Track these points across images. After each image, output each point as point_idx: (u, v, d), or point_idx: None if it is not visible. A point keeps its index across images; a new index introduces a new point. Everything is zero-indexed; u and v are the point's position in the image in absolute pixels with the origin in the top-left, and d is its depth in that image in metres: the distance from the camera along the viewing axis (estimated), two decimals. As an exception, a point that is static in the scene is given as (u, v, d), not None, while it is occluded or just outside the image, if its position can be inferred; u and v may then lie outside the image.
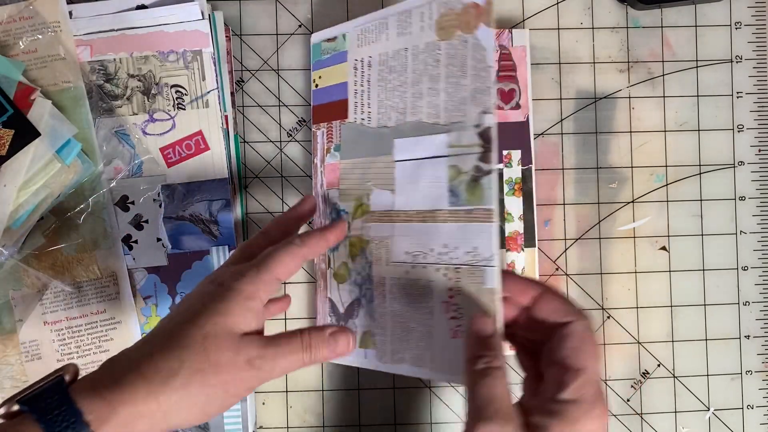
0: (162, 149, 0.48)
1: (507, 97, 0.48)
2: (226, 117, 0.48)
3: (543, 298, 0.34)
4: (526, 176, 0.48)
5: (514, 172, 0.48)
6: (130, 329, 0.48)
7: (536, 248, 0.48)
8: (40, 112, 0.45)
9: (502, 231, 0.48)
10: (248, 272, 0.35)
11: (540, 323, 0.34)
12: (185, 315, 0.33)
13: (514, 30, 0.48)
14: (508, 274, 0.35)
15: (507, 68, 0.48)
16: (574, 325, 0.32)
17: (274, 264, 0.35)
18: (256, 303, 0.34)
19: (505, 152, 0.48)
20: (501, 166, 0.48)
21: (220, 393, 0.32)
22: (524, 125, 0.48)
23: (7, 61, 0.45)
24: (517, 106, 0.48)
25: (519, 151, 0.48)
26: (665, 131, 0.51)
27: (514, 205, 0.48)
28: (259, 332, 0.35)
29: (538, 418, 0.30)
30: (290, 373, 0.49)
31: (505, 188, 0.48)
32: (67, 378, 0.31)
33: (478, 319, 0.33)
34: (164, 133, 0.48)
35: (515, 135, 0.48)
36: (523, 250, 0.48)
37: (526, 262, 0.48)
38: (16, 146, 0.44)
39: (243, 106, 0.50)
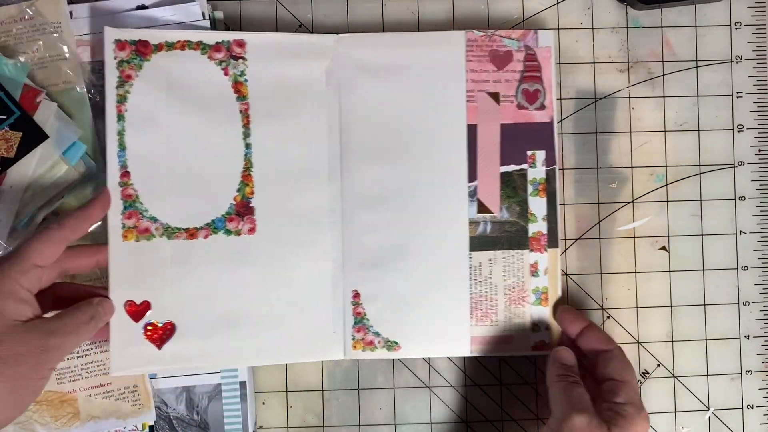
0: (163, 149, 0.48)
1: (532, 97, 0.48)
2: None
3: (587, 331, 0.44)
4: (550, 177, 0.47)
5: (538, 172, 0.48)
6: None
7: (559, 249, 0.48)
8: (46, 114, 0.45)
9: (525, 231, 0.48)
10: (1, 266, 0.37)
11: (582, 349, 0.45)
12: None
13: (539, 31, 0.47)
14: (565, 310, 0.46)
15: (532, 69, 0.48)
16: (615, 351, 0.43)
17: (30, 252, 0.37)
18: (19, 293, 0.36)
19: (529, 152, 0.48)
20: (525, 166, 0.48)
21: (23, 384, 0.35)
22: (549, 126, 0.48)
23: (12, 64, 0.45)
24: (542, 107, 0.48)
25: (543, 152, 0.47)
26: (665, 131, 0.51)
27: (538, 205, 0.48)
28: (39, 316, 0.38)
29: (606, 415, 0.39)
30: (290, 373, 0.49)
31: (529, 188, 0.48)
32: None
33: (562, 352, 0.44)
34: (165, 133, 0.48)
35: (540, 135, 0.47)
36: (546, 250, 0.47)
37: (549, 262, 0.47)
38: (24, 148, 0.44)
39: (243, 107, 0.50)
